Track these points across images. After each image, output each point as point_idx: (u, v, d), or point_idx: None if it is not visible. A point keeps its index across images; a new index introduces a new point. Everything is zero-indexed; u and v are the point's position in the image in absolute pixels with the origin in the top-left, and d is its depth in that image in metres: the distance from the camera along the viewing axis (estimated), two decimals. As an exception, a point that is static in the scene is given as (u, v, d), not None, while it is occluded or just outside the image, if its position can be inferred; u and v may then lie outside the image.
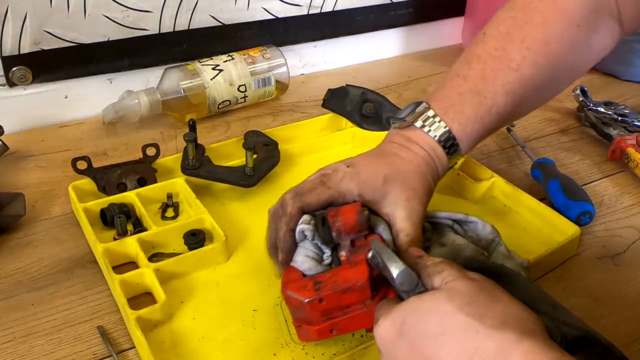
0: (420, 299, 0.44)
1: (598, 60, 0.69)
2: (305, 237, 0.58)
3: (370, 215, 0.59)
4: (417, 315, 0.43)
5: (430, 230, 0.64)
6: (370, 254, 0.53)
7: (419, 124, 0.63)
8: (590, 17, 0.64)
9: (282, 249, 0.59)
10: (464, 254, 0.60)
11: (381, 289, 0.54)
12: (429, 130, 0.63)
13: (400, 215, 0.58)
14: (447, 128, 0.63)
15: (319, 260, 0.58)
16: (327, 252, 0.58)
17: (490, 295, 0.43)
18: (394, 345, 0.44)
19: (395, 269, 0.46)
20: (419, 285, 0.46)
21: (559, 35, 0.63)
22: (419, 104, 0.65)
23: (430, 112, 0.63)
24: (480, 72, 0.64)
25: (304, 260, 0.57)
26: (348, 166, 0.61)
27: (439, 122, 0.63)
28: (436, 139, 0.63)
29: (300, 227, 0.58)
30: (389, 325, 0.44)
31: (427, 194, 0.62)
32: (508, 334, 0.39)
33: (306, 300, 0.53)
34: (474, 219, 0.64)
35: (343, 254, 0.57)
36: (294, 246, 0.59)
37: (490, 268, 0.54)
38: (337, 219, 0.57)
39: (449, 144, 0.63)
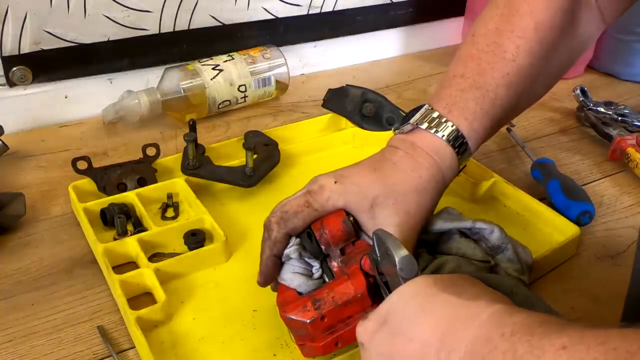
0: (408, 284, 0.45)
1: (585, 49, 0.69)
2: (290, 258, 0.58)
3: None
4: (403, 300, 0.44)
5: (427, 256, 0.62)
6: (368, 252, 0.53)
7: (424, 126, 0.61)
8: (574, 3, 0.64)
9: (261, 272, 0.59)
10: (463, 272, 0.59)
11: (378, 295, 0.53)
12: (436, 131, 0.61)
13: None
14: (454, 127, 0.61)
15: (309, 275, 0.57)
16: (316, 266, 0.57)
17: (471, 281, 0.46)
18: (375, 337, 0.44)
19: (397, 254, 0.46)
20: (417, 276, 0.46)
21: (547, 21, 0.63)
22: (420, 107, 0.63)
23: (435, 114, 0.62)
24: (477, 67, 0.63)
25: (292, 277, 0.57)
26: (336, 182, 0.58)
27: (445, 122, 0.61)
28: (444, 138, 0.60)
29: (285, 252, 0.57)
30: (374, 318, 0.45)
31: (424, 214, 0.60)
32: (480, 302, 0.41)
33: (308, 321, 0.53)
34: (482, 225, 0.63)
35: (335, 264, 0.56)
36: (275, 271, 0.58)
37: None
38: (323, 232, 0.56)
39: (458, 142, 0.61)
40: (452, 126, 0.61)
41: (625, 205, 0.82)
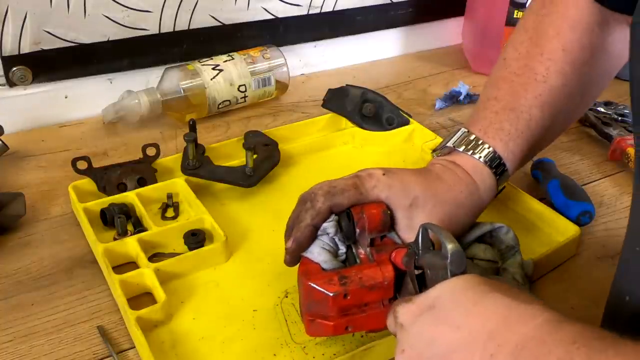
0: (458, 277, 0.45)
1: (620, 65, 0.70)
2: (326, 233, 0.58)
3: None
4: (454, 291, 0.44)
5: None
6: (408, 243, 0.53)
7: (462, 148, 0.64)
8: (602, 22, 0.65)
9: (295, 239, 0.58)
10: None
11: (399, 291, 0.54)
12: (473, 153, 0.63)
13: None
14: (490, 148, 0.63)
15: (335, 254, 0.58)
16: (342, 249, 0.58)
17: (520, 290, 0.46)
18: (418, 319, 0.45)
19: (451, 247, 0.46)
20: (465, 272, 0.46)
21: (576, 42, 0.65)
22: (457, 131, 0.66)
23: (472, 136, 0.64)
24: (509, 90, 0.65)
25: (320, 252, 0.57)
26: (384, 174, 0.60)
27: (482, 144, 0.64)
28: (481, 160, 0.63)
29: (325, 224, 0.58)
30: (419, 301, 0.45)
31: (455, 228, 0.61)
32: (535, 307, 0.41)
33: (332, 294, 0.53)
34: (500, 224, 0.65)
35: (362, 251, 0.57)
36: (309, 241, 0.58)
37: None
38: (362, 216, 0.57)
39: (495, 163, 0.63)
40: (488, 148, 0.63)
41: (625, 205, 0.82)
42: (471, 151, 0.63)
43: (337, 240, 0.58)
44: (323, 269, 0.56)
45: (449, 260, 0.46)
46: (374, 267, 0.54)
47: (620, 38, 0.66)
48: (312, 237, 0.58)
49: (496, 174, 0.64)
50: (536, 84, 0.64)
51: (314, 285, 0.54)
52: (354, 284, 0.53)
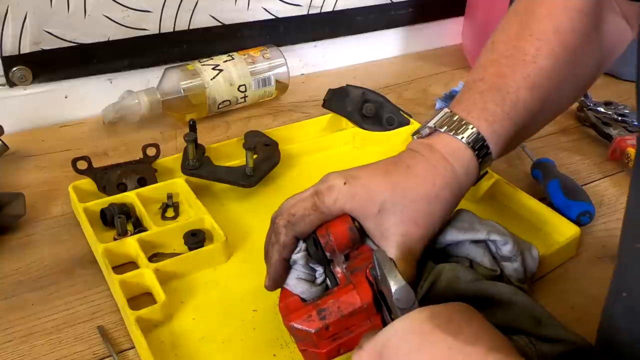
0: (403, 318, 0.43)
1: (613, 57, 0.67)
2: (296, 263, 0.57)
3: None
4: (399, 336, 0.43)
5: (431, 265, 0.60)
6: (370, 267, 0.52)
7: (443, 129, 0.60)
8: (596, 8, 0.63)
9: (270, 277, 0.57)
10: (461, 283, 0.58)
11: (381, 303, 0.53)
12: (456, 134, 0.59)
13: (392, 254, 0.55)
14: (474, 129, 0.59)
15: (312, 280, 0.57)
16: (320, 270, 0.57)
17: (468, 316, 0.44)
18: None
19: (394, 284, 0.45)
20: (414, 305, 0.45)
21: (568, 24, 0.62)
22: (439, 111, 0.62)
23: (455, 117, 0.60)
24: (497, 71, 0.62)
25: (296, 283, 0.56)
26: (345, 183, 0.56)
27: (465, 124, 0.59)
28: (463, 141, 0.59)
29: (293, 257, 0.56)
30: (370, 350, 0.44)
31: (434, 224, 0.58)
32: (478, 348, 0.40)
33: (313, 331, 0.52)
34: (496, 237, 0.61)
35: (338, 270, 0.56)
36: (284, 274, 0.57)
37: (484, 295, 0.55)
38: (329, 239, 0.55)
39: (479, 145, 0.59)
40: (472, 128, 0.59)
41: (625, 205, 0.81)
42: (453, 132, 0.59)
43: (311, 265, 0.57)
44: (303, 299, 0.55)
45: (394, 298, 0.45)
46: (351, 291, 0.53)
47: (612, 28, 0.64)
48: (286, 269, 0.57)
49: (479, 156, 0.60)
50: (525, 64, 0.61)
51: (295, 325, 0.53)
52: (333, 316, 0.52)
